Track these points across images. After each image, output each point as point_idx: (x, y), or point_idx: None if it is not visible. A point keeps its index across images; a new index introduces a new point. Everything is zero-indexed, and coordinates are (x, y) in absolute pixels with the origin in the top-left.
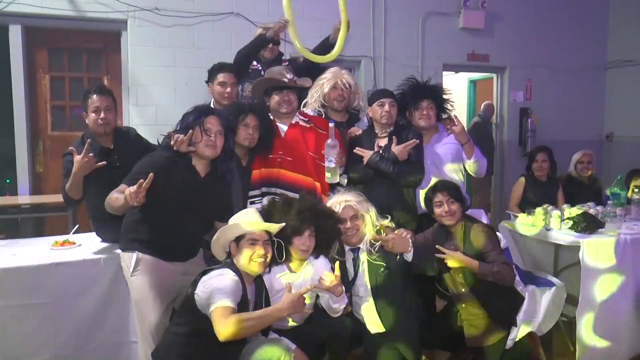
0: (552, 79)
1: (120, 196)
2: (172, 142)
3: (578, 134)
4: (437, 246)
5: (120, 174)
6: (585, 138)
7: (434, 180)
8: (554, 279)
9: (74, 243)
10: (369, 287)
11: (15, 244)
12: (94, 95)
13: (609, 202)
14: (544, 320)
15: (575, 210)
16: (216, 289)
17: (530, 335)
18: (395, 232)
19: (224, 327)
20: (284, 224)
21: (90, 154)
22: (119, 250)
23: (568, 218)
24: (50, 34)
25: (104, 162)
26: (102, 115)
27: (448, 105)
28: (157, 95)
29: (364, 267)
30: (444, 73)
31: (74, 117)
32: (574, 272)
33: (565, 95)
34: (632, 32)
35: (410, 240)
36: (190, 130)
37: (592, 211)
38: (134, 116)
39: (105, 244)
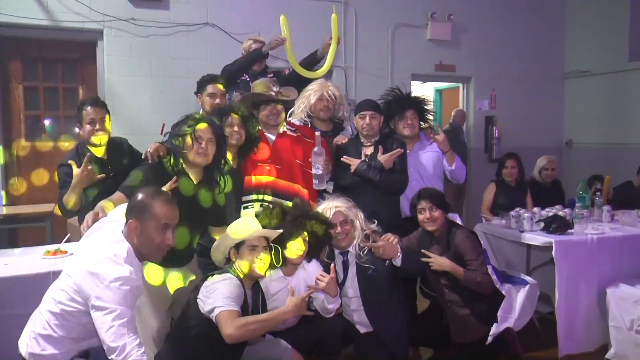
0: (514, 89)
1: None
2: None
3: (539, 141)
4: (422, 250)
5: (114, 184)
6: (546, 145)
7: (416, 187)
8: (528, 278)
9: (66, 252)
10: (358, 288)
11: (4, 254)
12: (89, 107)
13: (577, 204)
14: (519, 316)
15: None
16: (220, 294)
17: (508, 330)
18: (383, 237)
19: (232, 330)
20: (281, 230)
21: (89, 167)
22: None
23: (540, 220)
24: (24, 43)
25: (103, 175)
26: (97, 127)
27: (429, 115)
28: (134, 105)
29: (353, 270)
30: (412, 83)
31: (48, 128)
32: (544, 271)
33: (526, 104)
34: (587, 44)
35: (398, 246)
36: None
37: (560, 213)
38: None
39: None
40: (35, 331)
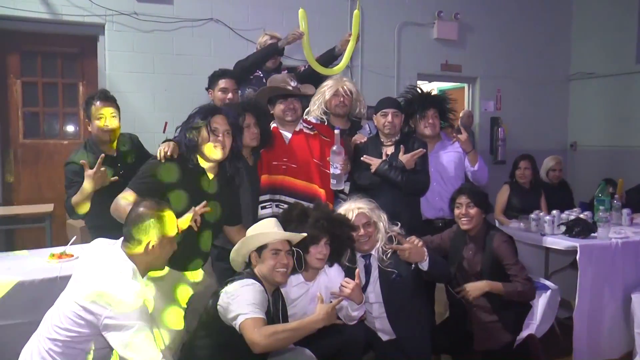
0: (519, 90)
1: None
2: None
3: (544, 143)
4: (456, 290)
5: (123, 182)
6: (551, 147)
7: (436, 188)
8: (549, 283)
9: (72, 255)
10: (381, 294)
11: (6, 257)
12: (98, 102)
13: (601, 207)
14: (541, 322)
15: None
16: (244, 301)
17: (530, 337)
18: (409, 239)
19: (260, 339)
20: (305, 233)
21: (103, 168)
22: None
23: (562, 224)
24: (22, 37)
25: (117, 178)
26: (107, 122)
27: (450, 114)
28: (136, 102)
29: (375, 274)
30: (419, 82)
31: (47, 124)
32: (563, 276)
33: (532, 105)
34: (593, 46)
35: (425, 250)
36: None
37: (582, 216)
38: None
39: None
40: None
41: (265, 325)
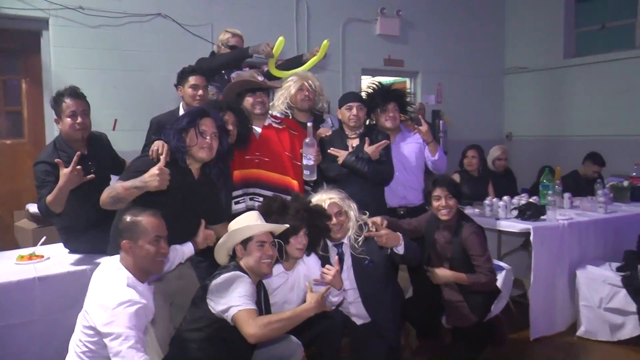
0: (459, 84)
1: (130, 184)
2: (150, 154)
3: (482, 134)
4: (426, 267)
5: (96, 181)
6: (488, 137)
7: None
8: (503, 264)
9: (42, 256)
10: (355, 280)
11: None
12: (68, 100)
13: (549, 192)
14: (498, 300)
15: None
16: (235, 293)
17: (497, 317)
18: (372, 220)
19: (255, 329)
20: (287, 225)
21: (78, 167)
22: (101, 260)
23: (514, 208)
24: None
25: (93, 176)
26: (79, 119)
27: (409, 107)
28: None
29: (349, 262)
30: (362, 77)
31: None
32: (514, 257)
33: (470, 98)
34: (526, 42)
35: (400, 235)
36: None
37: (532, 200)
38: None
39: (77, 255)
40: None
41: (257, 315)
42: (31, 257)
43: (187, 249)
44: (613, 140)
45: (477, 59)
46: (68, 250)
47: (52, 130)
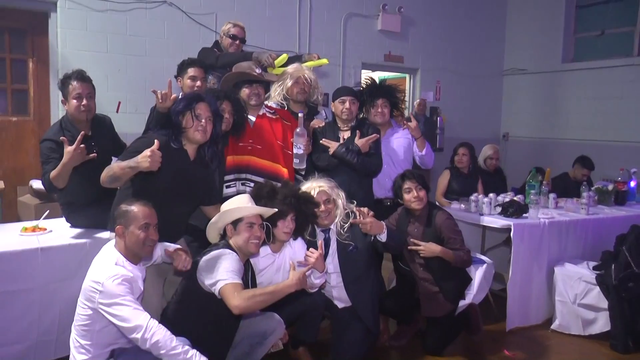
0: (457, 82)
1: (125, 164)
2: (159, 99)
3: (479, 133)
4: (412, 240)
5: (97, 160)
6: (485, 137)
7: (387, 171)
8: (485, 258)
9: (45, 229)
10: (338, 264)
11: None
12: (75, 82)
13: (532, 191)
14: (477, 292)
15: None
16: (223, 268)
17: (471, 305)
18: (359, 210)
19: (239, 301)
20: (276, 209)
21: (82, 145)
22: (101, 234)
23: (498, 205)
24: None
25: (95, 154)
26: (84, 102)
27: (400, 103)
28: None
29: (334, 247)
30: (362, 71)
31: None
32: (497, 252)
33: (468, 97)
34: (525, 44)
35: (383, 223)
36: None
37: (516, 199)
38: None
39: (78, 229)
40: (71, 345)
41: (242, 289)
42: (35, 229)
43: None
44: (605, 145)
45: (477, 59)
46: (69, 225)
47: (57, 109)
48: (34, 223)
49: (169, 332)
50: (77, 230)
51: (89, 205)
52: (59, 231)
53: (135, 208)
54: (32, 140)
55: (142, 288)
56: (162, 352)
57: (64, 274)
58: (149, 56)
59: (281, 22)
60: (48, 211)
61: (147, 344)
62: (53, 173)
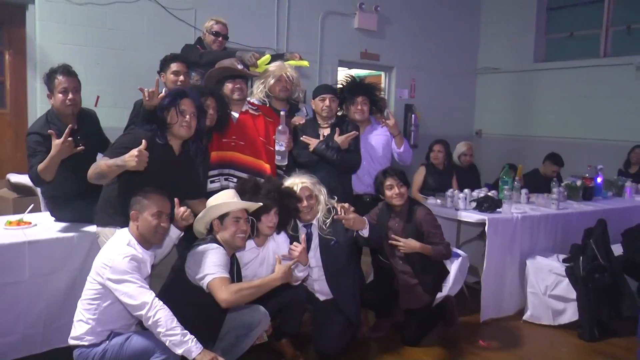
0: (432, 80)
1: (112, 162)
2: (145, 96)
3: (453, 130)
4: (393, 236)
5: (83, 154)
6: (458, 134)
7: (366, 167)
8: (460, 251)
9: (30, 223)
10: (320, 258)
11: None
12: (60, 76)
13: (506, 187)
14: (453, 284)
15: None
16: (210, 262)
17: (448, 298)
18: (340, 206)
19: (227, 295)
20: (261, 203)
21: (70, 138)
22: (88, 228)
23: (473, 200)
24: None
25: (82, 147)
26: (70, 96)
27: (379, 101)
28: None
29: (316, 241)
30: (339, 69)
31: None
32: (472, 246)
33: (442, 95)
34: (498, 44)
35: (365, 218)
36: (162, 77)
37: (490, 194)
38: (44, 94)
39: (63, 223)
40: (75, 319)
41: (229, 283)
42: (19, 223)
43: (172, 233)
44: (574, 142)
45: (451, 58)
46: (54, 219)
47: (35, 102)
48: (18, 217)
49: (170, 313)
50: (63, 224)
51: (75, 199)
52: (44, 225)
53: (150, 196)
54: (8, 133)
55: (149, 271)
56: (160, 330)
57: (51, 267)
58: (128, 50)
59: (260, 19)
60: (32, 205)
61: (150, 321)
62: (41, 166)
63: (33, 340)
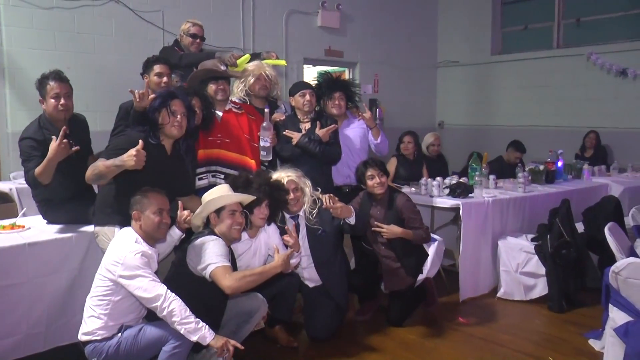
0: (394, 75)
1: (111, 163)
2: (136, 98)
3: (416, 122)
4: (376, 223)
5: (75, 157)
6: (422, 125)
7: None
8: (436, 236)
9: (24, 226)
10: (309, 247)
11: None
12: (52, 82)
13: (476, 173)
14: (430, 267)
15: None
16: (212, 253)
17: (427, 279)
18: (323, 196)
19: (231, 282)
20: (255, 196)
21: (65, 140)
22: (85, 228)
23: (446, 187)
24: None
25: (78, 147)
26: (62, 101)
27: (355, 96)
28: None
29: (304, 232)
30: (305, 66)
31: None
32: (445, 230)
33: (405, 89)
34: (456, 38)
35: (352, 208)
36: (146, 79)
37: (461, 180)
38: (13, 100)
39: (57, 225)
40: (85, 315)
41: (232, 271)
42: (13, 226)
43: (174, 233)
44: (533, 129)
45: (412, 52)
46: (46, 221)
47: (5, 107)
48: (11, 221)
49: (183, 303)
50: (58, 226)
51: (67, 201)
52: (38, 228)
53: (149, 195)
54: None
55: (157, 266)
56: (176, 319)
57: (51, 267)
58: (97, 53)
59: (225, 19)
60: (25, 209)
61: (165, 312)
62: (38, 169)
63: (36, 340)
